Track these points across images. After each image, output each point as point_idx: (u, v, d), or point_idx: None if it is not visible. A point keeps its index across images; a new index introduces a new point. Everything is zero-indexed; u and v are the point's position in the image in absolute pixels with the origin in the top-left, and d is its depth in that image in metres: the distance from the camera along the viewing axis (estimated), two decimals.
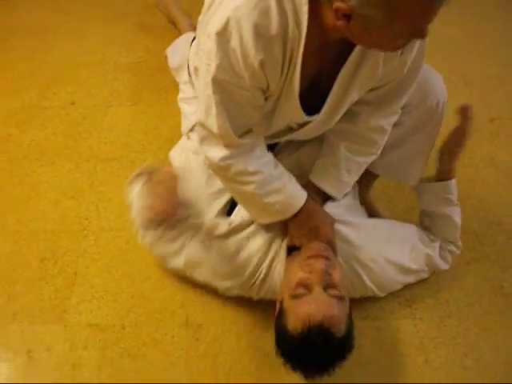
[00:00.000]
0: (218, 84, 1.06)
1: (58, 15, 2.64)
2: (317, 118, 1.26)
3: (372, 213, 1.68)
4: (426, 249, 1.51)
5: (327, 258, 1.22)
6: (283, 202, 1.27)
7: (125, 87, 2.25)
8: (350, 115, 1.32)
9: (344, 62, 1.11)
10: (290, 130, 1.32)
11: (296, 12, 0.97)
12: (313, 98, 1.21)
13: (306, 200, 1.31)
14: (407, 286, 1.56)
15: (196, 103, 1.48)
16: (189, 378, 1.35)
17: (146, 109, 2.14)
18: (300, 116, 1.23)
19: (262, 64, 1.01)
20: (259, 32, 0.97)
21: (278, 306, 1.25)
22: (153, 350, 1.40)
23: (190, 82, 1.62)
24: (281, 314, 1.21)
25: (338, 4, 0.90)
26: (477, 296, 1.60)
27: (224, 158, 1.20)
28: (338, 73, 1.14)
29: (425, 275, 1.56)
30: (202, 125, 1.18)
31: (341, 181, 1.38)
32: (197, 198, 1.48)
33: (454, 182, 1.50)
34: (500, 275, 1.66)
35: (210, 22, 1.05)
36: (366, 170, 1.50)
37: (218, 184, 1.44)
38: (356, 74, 1.14)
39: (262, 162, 1.25)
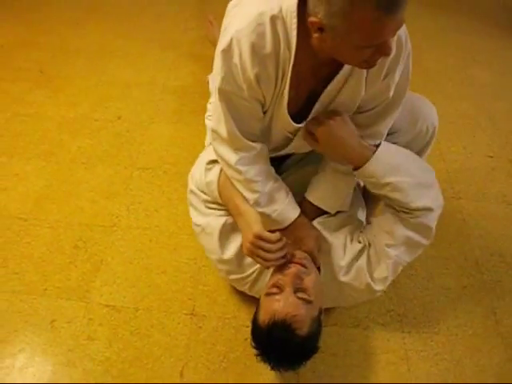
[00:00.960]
0: (223, 94, 1.22)
1: (119, 39, 2.93)
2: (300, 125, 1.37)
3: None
4: (405, 230, 1.39)
5: (303, 265, 1.36)
6: (279, 213, 1.38)
7: (168, 107, 2.47)
8: None
9: (328, 73, 1.22)
10: (288, 140, 1.45)
11: (287, 35, 1.13)
12: (299, 110, 1.32)
13: (299, 214, 1.42)
14: (401, 302, 1.69)
15: None
16: (185, 358, 1.50)
17: (183, 127, 2.34)
18: (289, 124, 1.32)
19: (257, 77, 1.18)
20: (255, 50, 1.14)
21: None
22: (159, 332, 1.57)
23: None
24: (257, 309, 1.37)
25: (311, 19, 1.02)
26: (468, 318, 1.69)
27: (237, 162, 1.32)
28: (323, 85, 1.25)
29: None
30: (215, 131, 1.32)
31: (330, 197, 1.47)
32: None
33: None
34: (494, 302, 1.74)
35: (220, 42, 1.23)
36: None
37: None
38: (340, 92, 1.27)
39: (268, 174, 1.38)
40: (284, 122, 1.32)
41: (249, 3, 1.19)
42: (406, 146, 1.47)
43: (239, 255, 1.47)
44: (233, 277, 1.53)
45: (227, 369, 1.50)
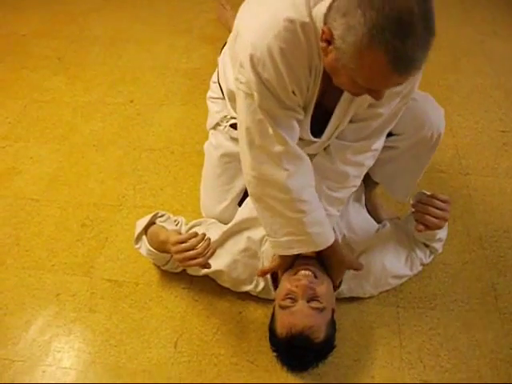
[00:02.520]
0: (265, 110, 1.18)
1: (134, 25, 2.98)
2: (320, 140, 1.36)
3: (378, 213, 1.79)
4: (420, 253, 1.61)
5: (314, 274, 1.39)
6: (322, 233, 1.35)
7: (179, 89, 2.51)
8: (328, 151, 1.41)
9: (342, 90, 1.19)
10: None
11: (317, 43, 1.08)
12: (314, 121, 1.31)
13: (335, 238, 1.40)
14: None
15: (221, 103, 1.67)
16: (180, 330, 1.56)
17: (193, 109, 2.38)
18: (307, 136, 1.34)
19: (293, 91, 1.18)
20: (291, 65, 1.11)
21: (273, 308, 1.45)
22: (157, 304, 1.63)
23: (219, 83, 1.82)
24: (272, 318, 1.42)
25: (326, 27, 0.98)
26: (466, 294, 1.67)
27: (287, 180, 1.26)
28: (337, 98, 1.24)
29: (416, 271, 1.66)
30: (260, 147, 1.24)
31: (327, 214, 1.41)
32: (212, 187, 1.70)
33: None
34: (495, 278, 1.72)
35: (241, 49, 1.16)
36: (368, 175, 1.61)
37: (230, 179, 1.66)
38: (354, 99, 1.23)
39: (312, 191, 1.34)
40: (302, 133, 1.31)
41: (267, 5, 1.13)
42: (408, 150, 1.48)
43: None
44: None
45: (220, 340, 1.54)
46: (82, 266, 1.74)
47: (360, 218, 1.60)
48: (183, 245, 1.36)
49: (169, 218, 1.63)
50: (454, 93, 2.45)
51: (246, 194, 1.62)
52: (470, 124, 2.32)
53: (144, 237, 1.55)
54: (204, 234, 1.37)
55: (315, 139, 1.36)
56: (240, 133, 1.29)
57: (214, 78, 1.78)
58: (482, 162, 2.14)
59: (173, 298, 1.65)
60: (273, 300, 1.48)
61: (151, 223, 1.59)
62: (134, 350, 1.52)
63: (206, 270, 1.53)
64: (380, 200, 1.87)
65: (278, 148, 1.23)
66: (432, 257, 1.66)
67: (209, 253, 1.37)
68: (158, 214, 1.57)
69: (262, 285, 1.53)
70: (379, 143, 1.41)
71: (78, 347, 1.53)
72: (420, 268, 1.64)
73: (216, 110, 1.69)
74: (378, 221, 1.69)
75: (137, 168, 2.09)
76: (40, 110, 2.41)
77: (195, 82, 2.55)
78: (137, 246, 1.59)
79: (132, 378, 1.46)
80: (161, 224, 1.59)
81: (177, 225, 1.62)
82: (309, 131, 1.33)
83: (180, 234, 1.44)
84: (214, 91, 1.77)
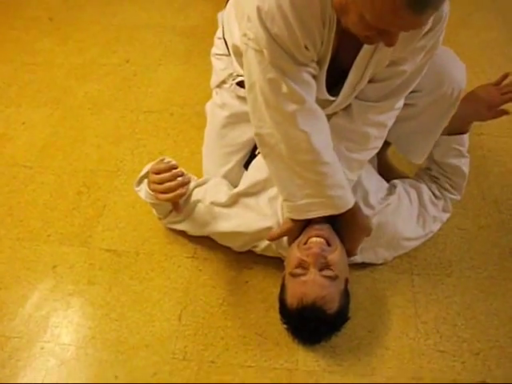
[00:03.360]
0: (277, 67, 1.11)
1: None
2: (337, 100, 1.27)
3: (390, 173, 1.70)
4: (433, 210, 1.54)
5: (327, 240, 1.30)
6: (343, 196, 1.28)
7: (177, 48, 2.39)
8: (349, 111, 1.32)
9: (359, 45, 1.13)
10: None
11: None
12: (330, 80, 1.23)
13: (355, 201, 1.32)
14: None
15: (226, 60, 1.57)
16: (184, 302, 1.48)
17: (192, 68, 2.27)
18: (323, 95, 1.26)
19: (306, 46, 1.09)
20: (303, 18, 1.03)
21: (282, 277, 1.37)
22: (159, 275, 1.55)
23: (224, 39, 1.70)
24: (282, 288, 1.33)
25: None
26: (483, 260, 1.59)
27: (307, 138, 1.19)
28: (354, 55, 1.16)
29: (431, 234, 1.58)
30: (275, 108, 1.17)
31: None
32: (215, 149, 1.60)
33: (466, 136, 1.53)
34: None
35: (247, 1, 1.10)
36: None
37: (236, 140, 1.56)
38: (373, 56, 1.16)
39: (333, 153, 1.26)
40: (318, 92, 1.22)
41: None
42: (427, 107, 1.40)
43: None
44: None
45: (226, 312, 1.47)
46: (79, 236, 1.66)
47: (373, 179, 1.51)
48: (161, 175, 1.31)
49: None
50: (466, 49, 2.33)
51: (251, 157, 1.53)
52: (483, 82, 2.16)
53: (146, 180, 1.44)
54: (183, 172, 1.32)
55: (332, 98, 1.27)
56: (252, 93, 1.20)
57: (219, 33, 1.67)
58: (496, 121, 1.99)
59: (176, 268, 1.57)
60: (281, 264, 1.42)
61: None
62: (135, 323, 1.45)
63: (206, 231, 1.49)
64: (391, 161, 1.79)
65: (293, 107, 1.15)
66: (446, 215, 1.58)
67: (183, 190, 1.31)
68: (164, 159, 1.46)
69: (266, 242, 1.45)
70: (402, 101, 1.33)
71: (76, 322, 1.46)
72: (434, 228, 1.56)
73: (221, 67, 1.59)
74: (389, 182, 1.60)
75: (134, 131, 1.99)
76: (31, 73, 2.30)
77: (193, 40, 2.43)
78: (137, 189, 1.50)
79: (134, 353, 1.39)
80: None
81: None
82: (324, 89, 1.24)
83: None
84: (218, 47, 1.66)
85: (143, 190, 1.47)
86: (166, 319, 1.45)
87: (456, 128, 1.53)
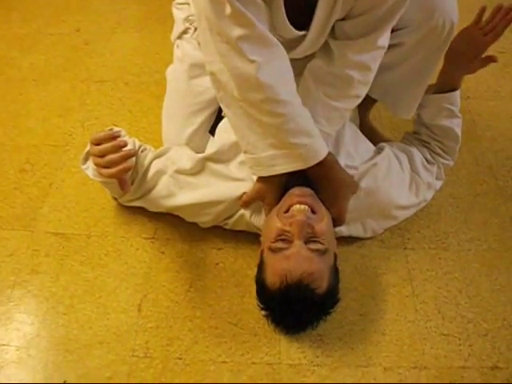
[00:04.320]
0: None
1: None
2: (307, 36, 1.12)
3: (374, 137, 1.52)
4: (426, 176, 1.38)
5: (311, 207, 1.11)
6: (311, 145, 1.10)
7: (132, 16, 2.18)
8: (328, 52, 1.17)
9: None
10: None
11: None
12: (299, 15, 1.09)
13: (329, 153, 1.14)
14: None
15: (186, 9, 1.44)
16: (144, 289, 1.26)
17: (149, 36, 2.06)
18: (288, 30, 1.10)
19: None
20: None
21: (259, 255, 1.16)
22: (114, 260, 1.33)
23: None
24: (260, 266, 1.13)
25: None
26: (482, 230, 1.44)
27: (258, 72, 1.02)
28: None
29: (424, 203, 1.41)
30: (220, 34, 1.01)
31: (320, 131, 1.15)
32: (176, 110, 1.41)
33: (458, 93, 1.35)
34: None
35: None
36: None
37: (199, 98, 1.38)
38: None
39: (293, 92, 1.09)
40: (282, 26, 1.07)
41: None
42: (416, 46, 1.24)
43: None
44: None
45: (194, 300, 1.26)
46: (21, 219, 1.43)
47: (357, 138, 1.34)
48: (101, 146, 1.09)
49: (125, 135, 1.32)
50: None
51: (218, 121, 1.34)
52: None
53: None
54: (126, 142, 1.09)
55: (301, 32, 1.10)
56: (200, 22, 1.05)
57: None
58: (482, 84, 1.92)
59: (133, 251, 1.35)
60: (256, 241, 1.23)
61: None
62: (87, 317, 1.23)
63: (173, 205, 1.29)
64: (374, 124, 1.64)
65: (239, 31, 0.98)
66: (440, 183, 1.42)
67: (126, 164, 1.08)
68: (112, 129, 1.26)
69: (238, 213, 1.27)
70: (385, 38, 1.15)
71: (17, 318, 1.23)
72: (427, 196, 1.40)
73: (182, 16, 1.45)
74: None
75: (85, 103, 1.77)
76: None
77: (151, 7, 2.22)
78: (83, 167, 1.29)
79: (86, 352, 1.17)
80: None
81: (142, 151, 1.33)
82: (286, 21, 1.06)
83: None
84: None
85: (90, 168, 1.25)
86: (124, 310, 1.24)
87: (445, 85, 1.37)
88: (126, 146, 1.08)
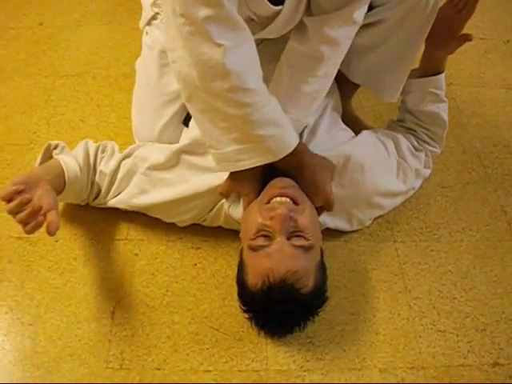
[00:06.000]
0: None
1: None
2: (282, 11, 1.06)
3: (356, 127, 1.45)
4: (414, 162, 1.32)
5: (294, 200, 1.03)
6: (279, 136, 1.03)
7: (99, 7, 2.08)
8: (303, 31, 1.11)
9: None
10: (256, 25, 1.11)
11: None
12: None
13: (300, 141, 1.08)
14: None
15: None
16: (117, 295, 1.17)
17: (117, 27, 1.97)
18: (263, 5, 1.03)
19: None
20: None
21: (239, 254, 1.08)
22: (84, 264, 1.24)
23: None
24: (241, 266, 1.05)
25: None
26: (474, 220, 1.38)
27: (224, 58, 0.94)
28: None
29: (412, 192, 1.36)
30: (185, 16, 0.93)
31: (291, 119, 1.10)
32: (147, 102, 1.34)
33: (443, 76, 1.29)
34: (503, 199, 1.44)
35: None
36: (345, 78, 1.33)
37: (170, 87, 1.30)
38: None
39: (260, 81, 1.02)
40: (259, 4, 1.02)
41: None
42: (399, 23, 1.16)
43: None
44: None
45: (172, 304, 1.17)
46: None
47: (336, 128, 1.28)
48: (10, 204, 0.99)
49: (64, 147, 1.24)
50: None
51: None
52: None
53: None
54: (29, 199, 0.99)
55: (276, 7, 1.04)
56: (165, 7, 0.99)
57: None
58: (464, 71, 1.88)
59: (105, 254, 1.26)
60: (236, 238, 1.15)
61: (47, 158, 1.22)
62: (56, 327, 1.13)
63: (148, 204, 1.21)
64: (357, 113, 1.57)
65: (206, 11, 0.90)
66: (428, 171, 1.38)
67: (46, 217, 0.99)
68: (50, 145, 1.20)
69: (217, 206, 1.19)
70: (361, 12, 1.08)
71: None
72: (416, 184, 1.36)
73: (149, 1, 1.38)
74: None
75: (50, 98, 1.67)
76: None
77: None
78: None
79: (55, 366, 1.07)
80: (57, 157, 1.20)
81: (103, 153, 1.24)
82: None
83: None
84: None
85: None
86: (96, 319, 1.14)
87: (429, 67, 1.32)
88: (29, 201, 0.99)
